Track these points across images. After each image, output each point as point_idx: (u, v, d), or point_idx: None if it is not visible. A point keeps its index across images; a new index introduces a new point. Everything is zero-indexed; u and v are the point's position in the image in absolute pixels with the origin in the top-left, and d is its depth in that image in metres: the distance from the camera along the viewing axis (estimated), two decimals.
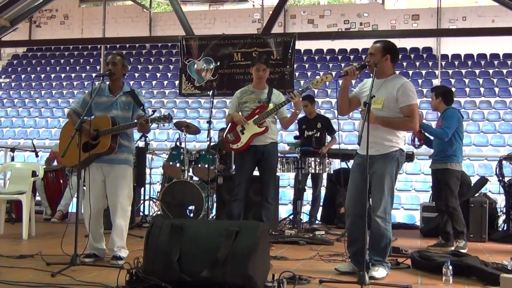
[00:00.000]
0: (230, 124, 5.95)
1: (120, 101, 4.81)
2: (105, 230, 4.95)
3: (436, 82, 16.50)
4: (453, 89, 6.50)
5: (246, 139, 5.80)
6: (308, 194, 8.21)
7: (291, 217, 7.51)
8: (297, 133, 7.92)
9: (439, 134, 5.97)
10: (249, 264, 3.39)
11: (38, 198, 8.07)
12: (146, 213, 7.76)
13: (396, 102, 4.32)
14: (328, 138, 7.93)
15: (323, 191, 8.04)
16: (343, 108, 4.65)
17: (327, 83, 16.71)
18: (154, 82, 18.54)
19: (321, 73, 17.66)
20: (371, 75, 4.35)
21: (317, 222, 7.72)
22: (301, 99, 5.99)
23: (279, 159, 7.07)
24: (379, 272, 4.22)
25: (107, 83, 4.86)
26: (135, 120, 4.77)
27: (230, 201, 6.00)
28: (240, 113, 5.94)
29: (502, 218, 7.07)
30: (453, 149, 5.96)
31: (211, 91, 7.38)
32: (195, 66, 9.77)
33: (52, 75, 19.70)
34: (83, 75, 19.12)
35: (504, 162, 7.10)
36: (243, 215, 5.95)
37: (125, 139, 4.82)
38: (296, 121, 6.92)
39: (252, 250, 3.43)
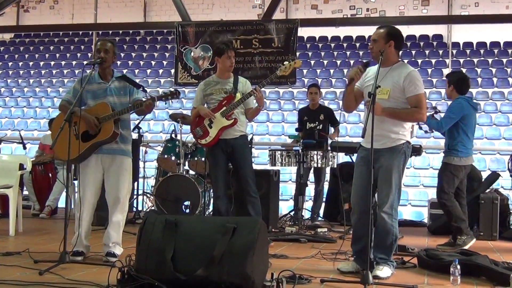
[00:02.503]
0: (196, 118, 5.88)
1: (113, 87, 4.82)
2: (95, 226, 4.96)
3: (447, 71, 16.46)
4: None
5: (214, 133, 5.74)
6: (310, 190, 8.22)
7: (292, 213, 7.53)
8: (298, 125, 7.93)
9: (433, 125, 5.97)
10: (246, 262, 3.40)
11: (25, 192, 8.08)
12: (140, 208, 7.77)
13: (402, 92, 4.33)
14: (332, 130, 7.95)
15: (326, 186, 8.05)
16: (350, 107, 4.62)
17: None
18: (148, 71, 18.51)
19: (325, 62, 17.66)
20: (378, 64, 4.35)
21: (319, 218, 7.75)
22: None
23: (280, 152, 7.10)
24: (384, 271, 4.23)
25: (96, 70, 4.84)
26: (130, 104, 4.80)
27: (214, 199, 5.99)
28: (206, 105, 5.88)
29: None
30: (454, 143, 5.94)
31: None
32: (192, 54, 9.77)
33: (41, 63, 19.66)
34: (74, 62, 19.09)
35: None
36: (240, 212, 5.95)
37: (124, 129, 4.84)
38: (297, 111, 6.92)
39: (250, 248, 3.44)
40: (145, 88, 4.87)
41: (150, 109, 4.80)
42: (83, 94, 4.72)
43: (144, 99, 4.74)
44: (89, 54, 18.70)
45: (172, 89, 4.78)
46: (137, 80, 16.91)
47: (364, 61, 4.53)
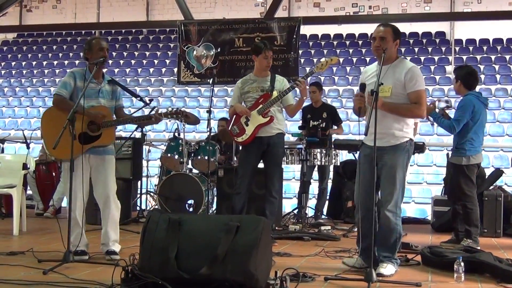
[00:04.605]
0: (234, 116, 5.94)
1: (104, 90, 4.89)
2: (91, 225, 4.96)
3: (450, 68, 16.43)
4: None
5: (251, 131, 5.79)
6: (314, 187, 8.21)
7: (295, 211, 7.51)
8: (301, 122, 7.92)
9: (446, 127, 5.85)
10: (250, 260, 3.40)
11: (29, 192, 8.09)
12: (143, 207, 7.78)
13: (404, 88, 4.32)
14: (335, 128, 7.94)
15: (329, 184, 8.04)
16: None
17: (334, 69, 16.65)
18: (151, 70, 18.52)
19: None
20: (380, 62, 4.33)
21: (323, 216, 7.73)
22: (308, 86, 5.99)
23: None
24: (388, 269, 4.23)
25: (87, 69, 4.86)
26: (116, 109, 4.99)
27: (232, 194, 6.00)
28: (243, 104, 5.93)
29: None
30: (462, 141, 5.76)
31: (211, 78, 7.36)
32: (195, 52, 9.77)
33: (44, 62, 19.67)
34: (77, 62, 19.07)
35: None
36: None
37: None
38: (300, 109, 6.90)
39: (254, 246, 3.44)
40: (142, 98, 4.96)
41: (157, 123, 5.03)
42: (76, 91, 4.76)
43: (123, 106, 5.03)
44: None
45: (177, 109, 4.99)
46: (140, 79, 16.98)
47: (360, 83, 4.50)
